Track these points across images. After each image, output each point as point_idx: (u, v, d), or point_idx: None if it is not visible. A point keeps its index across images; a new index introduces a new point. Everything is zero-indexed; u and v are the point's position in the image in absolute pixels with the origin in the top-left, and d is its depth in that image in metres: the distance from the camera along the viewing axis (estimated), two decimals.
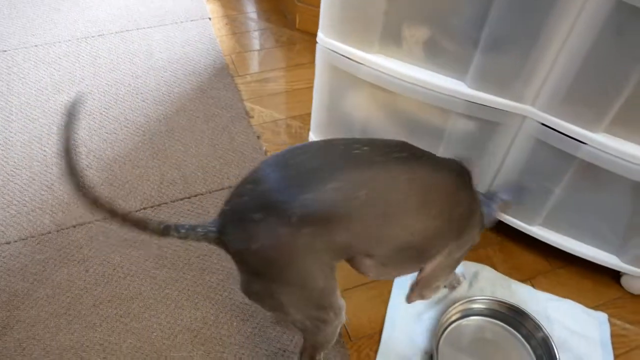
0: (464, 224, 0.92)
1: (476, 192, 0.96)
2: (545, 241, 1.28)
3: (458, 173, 0.91)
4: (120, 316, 1.14)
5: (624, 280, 1.30)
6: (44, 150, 1.43)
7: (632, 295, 1.29)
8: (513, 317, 1.17)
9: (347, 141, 0.84)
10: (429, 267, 0.95)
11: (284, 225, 0.75)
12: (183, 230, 0.83)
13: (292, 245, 0.76)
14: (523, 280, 1.29)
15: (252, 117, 1.58)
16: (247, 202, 0.80)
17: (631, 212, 1.14)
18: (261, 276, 0.81)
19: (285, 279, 0.80)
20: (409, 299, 1.05)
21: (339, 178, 0.77)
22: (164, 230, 0.83)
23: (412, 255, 0.89)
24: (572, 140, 1.05)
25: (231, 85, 1.66)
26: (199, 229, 0.82)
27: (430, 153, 0.88)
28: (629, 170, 1.03)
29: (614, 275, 1.31)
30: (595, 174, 1.10)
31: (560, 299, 1.26)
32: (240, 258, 0.82)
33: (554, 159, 1.11)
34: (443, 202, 0.86)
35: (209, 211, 1.34)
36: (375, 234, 0.81)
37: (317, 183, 0.76)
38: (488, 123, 1.12)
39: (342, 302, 0.88)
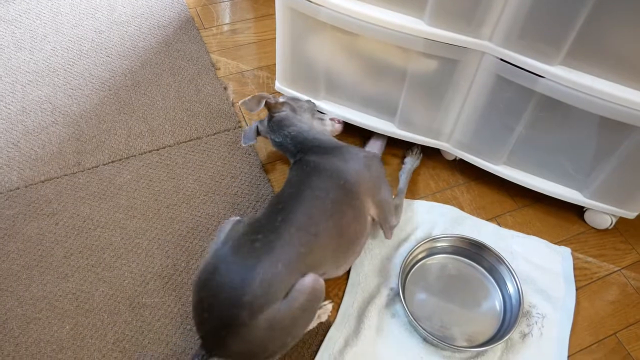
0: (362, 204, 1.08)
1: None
2: (510, 179, 1.31)
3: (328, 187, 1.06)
4: (92, 266, 1.16)
5: (587, 216, 1.33)
6: (8, 108, 1.42)
7: (595, 230, 1.33)
8: (475, 252, 1.20)
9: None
10: (368, 225, 1.10)
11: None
12: None
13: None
14: (489, 219, 1.32)
15: (219, 69, 1.57)
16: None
17: (591, 147, 1.16)
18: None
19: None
20: (387, 236, 1.17)
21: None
22: None
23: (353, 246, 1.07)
24: (530, 74, 1.06)
25: (197, 38, 1.63)
26: None
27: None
28: (586, 103, 1.05)
29: (578, 212, 1.35)
30: (555, 109, 1.11)
31: (525, 235, 1.29)
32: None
33: (514, 94, 1.12)
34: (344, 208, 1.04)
35: (176, 162, 1.34)
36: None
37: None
38: (448, 61, 1.12)
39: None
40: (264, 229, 0.95)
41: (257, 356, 0.92)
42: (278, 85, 1.41)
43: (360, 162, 1.10)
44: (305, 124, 1.22)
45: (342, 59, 1.25)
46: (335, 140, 1.20)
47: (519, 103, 1.13)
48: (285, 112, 1.23)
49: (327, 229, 1.00)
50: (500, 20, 1.02)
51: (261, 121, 1.29)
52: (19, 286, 1.12)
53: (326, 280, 1.17)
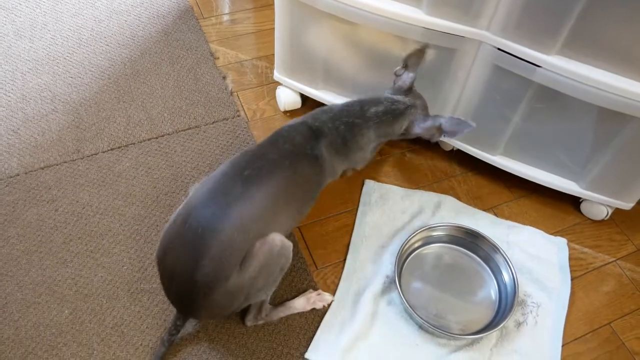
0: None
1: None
2: (507, 170, 1.31)
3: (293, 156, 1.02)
4: (91, 252, 1.17)
5: (583, 207, 1.34)
6: (8, 96, 1.42)
7: (591, 221, 1.34)
8: (471, 241, 1.21)
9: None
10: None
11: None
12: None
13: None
14: (486, 210, 1.33)
15: (218, 58, 1.58)
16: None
17: (587, 138, 1.17)
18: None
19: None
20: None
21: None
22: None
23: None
24: (527, 63, 1.07)
25: (196, 28, 1.64)
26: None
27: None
28: (583, 93, 1.05)
29: (574, 203, 1.36)
30: (551, 99, 1.12)
31: (521, 225, 1.30)
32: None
33: (511, 84, 1.12)
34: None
35: (175, 150, 1.35)
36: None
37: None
38: (445, 50, 1.13)
39: (288, 243, 0.97)
40: (216, 200, 0.92)
41: (225, 315, 1.02)
42: (277, 75, 1.41)
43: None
44: None
45: (341, 48, 1.26)
46: None
47: (516, 93, 1.14)
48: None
49: (286, 199, 0.98)
50: (497, 9, 1.02)
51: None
52: (19, 271, 1.13)
53: (324, 267, 1.19)
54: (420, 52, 1.13)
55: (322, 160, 1.05)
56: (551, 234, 1.30)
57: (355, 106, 1.11)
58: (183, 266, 0.90)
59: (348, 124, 1.08)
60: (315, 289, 1.15)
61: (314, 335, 1.09)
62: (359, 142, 1.10)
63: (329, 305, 1.12)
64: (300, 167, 1.01)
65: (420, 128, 1.13)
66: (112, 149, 1.34)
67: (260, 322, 1.07)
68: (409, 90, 1.15)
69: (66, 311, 1.09)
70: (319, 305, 1.11)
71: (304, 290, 1.14)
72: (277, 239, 0.94)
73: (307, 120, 1.08)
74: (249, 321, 1.07)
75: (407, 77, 1.14)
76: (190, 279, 0.90)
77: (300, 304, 1.10)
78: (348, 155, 1.10)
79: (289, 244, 0.97)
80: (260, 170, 0.95)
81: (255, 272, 0.92)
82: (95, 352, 1.04)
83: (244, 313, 1.08)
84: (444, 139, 1.16)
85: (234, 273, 0.90)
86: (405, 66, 1.14)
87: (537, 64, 1.06)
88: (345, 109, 1.11)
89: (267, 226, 0.94)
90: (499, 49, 1.08)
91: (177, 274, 0.92)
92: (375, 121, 1.10)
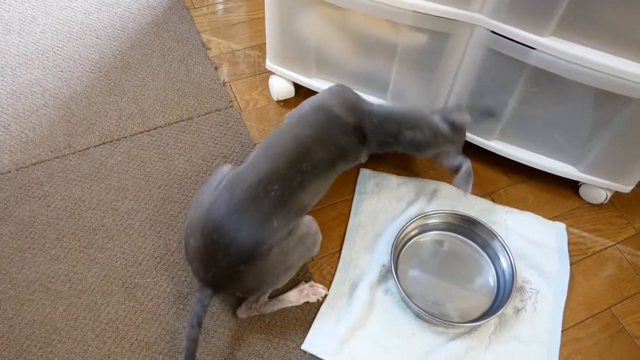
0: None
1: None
2: (504, 155, 1.30)
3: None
4: (84, 247, 1.16)
5: (582, 191, 1.33)
6: None
7: (590, 205, 1.32)
8: (468, 228, 1.20)
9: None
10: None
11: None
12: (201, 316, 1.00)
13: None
14: (483, 196, 1.31)
15: (209, 48, 1.55)
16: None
17: (584, 121, 1.15)
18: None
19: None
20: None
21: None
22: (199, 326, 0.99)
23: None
24: (522, 46, 1.04)
25: (187, 18, 1.61)
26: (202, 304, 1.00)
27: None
28: (578, 74, 1.03)
29: (573, 187, 1.34)
30: (547, 82, 1.10)
31: (519, 211, 1.28)
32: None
33: (506, 67, 1.10)
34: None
35: (168, 143, 1.34)
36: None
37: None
38: (438, 34, 1.11)
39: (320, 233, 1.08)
40: (280, 181, 1.00)
41: (262, 286, 1.02)
42: (269, 64, 1.39)
43: None
44: None
45: (333, 35, 1.24)
46: None
47: (511, 76, 1.12)
48: None
49: (323, 182, 1.10)
50: None
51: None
52: (12, 268, 1.12)
53: (319, 257, 1.18)
54: (490, 114, 1.20)
55: (357, 160, 1.18)
56: (550, 218, 1.28)
57: (394, 125, 1.17)
58: (250, 231, 0.95)
59: (381, 141, 1.17)
60: (311, 279, 1.14)
61: (310, 326, 1.08)
62: (384, 150, 1.21)
63: (324, 297, 1.11)
64: (341, 166, 1.13)
65: (446, 161, 1.21)
66: (103, 143, 1.33)
67: (253, 314, 1.07)
68: (457, 126, 1.18)
69: (60, 308, 1.08)
70: (313, 299, 1.10)
71: (299, 282, 1.13)
72: (315, 225, 1.06)
73: (354, 123, 1.13)
74: (242, 313, 1.06)
75: (464, 118, 1.18)
76: (256, 242, 0.95)
77: (293, 297, 1.09)
78: (371, 152, 1.21)
79: (321, 237, 1.07)
80: (315, 168, 1.05)
81: (296, 243, 1.01)
82: (90, 348, 1.03)
83: (237, 306, 1.07)
84: (451, 174, 1.22)
85: (285, 239, 0.99)
86: (470, 108, 1.18)
87: (532, 46, 1.03)
88: (386, 124, 1.16)
89: (306, 208, 1.06)
90: (492, 31, 1.06)
91: (238, 239, 0.95)
92: (406, 144, 1.18)
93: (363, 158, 1.19)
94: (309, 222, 1.04)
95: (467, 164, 1.18)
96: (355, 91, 1.24)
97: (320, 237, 1.07)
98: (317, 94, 1.19)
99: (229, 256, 0.95)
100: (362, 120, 1.14)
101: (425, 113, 1.18)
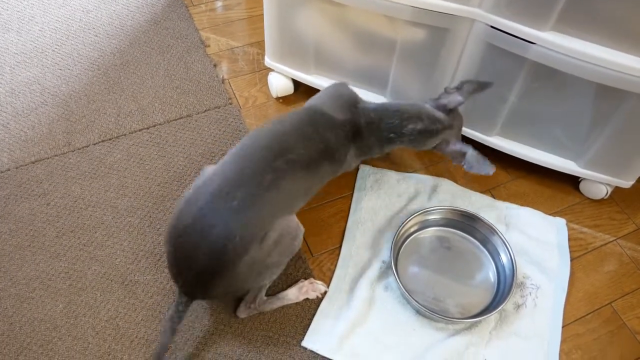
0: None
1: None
2: (504, 151, 1.29)
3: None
4: (84, 245, 1.16)
5: (582, 186, 1.32)
6: None
7: (591, 201, 1.32)
8: (468, 223, 1.20)
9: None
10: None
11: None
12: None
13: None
14: (483, 192, 1.31)
15: (208, 46, 1.55)
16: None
17: (585, 116, 1.15)
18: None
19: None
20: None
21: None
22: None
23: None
24: (521, 41, 1.04)
25: (185, 15, 1.61)
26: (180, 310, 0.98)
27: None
28: (578, 69, 1.03)
29: (573, 183, 1.33)
30: (547, 77, 1.10)
31: (519, 207, 1.28)
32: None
33: (506, 63, 1.10)
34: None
35: (167, 140, 1.33)
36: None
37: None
38: (437, 30, 1.10)
39: (302, 228, 1.02)
40: (247, 182, 0.95)
41: (238, 292, 1.02)
42: (268, 61, 1.39)
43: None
44: None
45: (331, 31, 1.23)
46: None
47: (510, 72, 1.11)
48: None
49: (306, 190, 1.05)
50: None
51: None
52: (12, 266, 1.12)
53: (319, 254, 1.18)
54: (479, 85, 1.13)
55: (346, 162, 1.11)
56: (550, 214, 1.28)
57: (395, 119, 1.11)
58: (211, 240, 0.91)
59: (382, 137, 1.12)
60: (310, 276, 1.14)
61: (310, 322, 1.07)
62: (386, 150, 1.16)
63: (323, 294, 1.11)
64: (325, 166, 1.05)
65: (449, 149, 1.17)
66: (103, 141, 1.33)
67: (253, 312, 1.06)
68: (451, 110, 1.15)
69: (60, 305, 1.08)
70: (312, 296, 1.10)
71: (298, 279, 1.13)
72: (294, 221, 1.00)
73: (344, 119, 1.08)
74: (241, 313, 1.06)
75: (455, 99, 1.13)
76: (219, 252, 0.91)
77: (293, 294, 1.09)
78: (369, 156, 1.16)
79: (302, 229, 1.02)
80: (291, 165, 0.98)
81: (271, 247, 0.95)
82: (90, 345, 1.03)
83: (236, 305, 1.07)
84: (461, 164, 1.17)
85: (255, 246, 0.94)
86: (458, 88, 1.13)
87: (532, 40, 1.03)
88: (385, 119, 1.11)
89: (286, 209, 1.00)
90: (492, 26, 1.05)
91: (201, 248, 0.91)
92: (410, 137, 1.13)
93: (353, 161, 1.13)
94: (286, 222, 0.98)
95: (470, 150, 1.14)
96: (355, 88, 1.24)
97: (301, 230, 1.02)
98: (316, 94, 1.18)
99: (195, 266, 0.93)
100: (356, 117, 1.09)
101: (420, 104, 1.15)
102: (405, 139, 1.13)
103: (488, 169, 1.13)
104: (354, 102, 1.11)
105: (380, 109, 1.12)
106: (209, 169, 1.01)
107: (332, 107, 1.09)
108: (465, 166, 1.15)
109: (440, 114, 1.13)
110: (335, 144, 1.06)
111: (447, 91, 1.14)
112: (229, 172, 0.96)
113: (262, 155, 0.98)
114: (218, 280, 0.93)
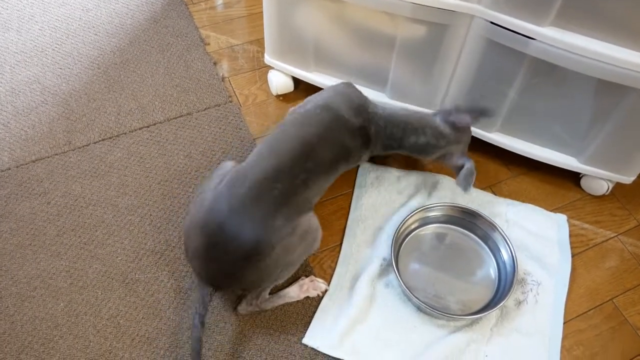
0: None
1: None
2: (505, 147, 1.29)
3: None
4: (85, 244, 1.16)
5: (583, 182, 1.32)
6: None
7: (592, 197, 1.32)
8: (469, 220, 1.19)
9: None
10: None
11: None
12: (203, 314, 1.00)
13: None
14: (484, 189, 1.31)
15: (208, 44, 1.55)
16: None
17: (585, 112, 1.14)
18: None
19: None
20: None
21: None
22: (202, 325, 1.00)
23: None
24: (521, 36, 1.04)
25: (185, 13, 1.61)
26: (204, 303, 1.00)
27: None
28: (579, 64, 1.03)
29: (574, 179, 1.33)
30: (547, 73, 1.09)
31: (520, 203, 1.28)
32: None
33: (506, 59, 1.10)
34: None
35: (167, 139, 1.33)
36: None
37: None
38: (436, 26, 1.10)
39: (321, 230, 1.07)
40: (284, 179, 1.00)
41: (263, 283, 1.03)
42: (267, 59, 1.39)
43: None
44: None
45: (331, 28, 1.23)
46: None
47: (510, 67, 1.11)
48: None
49: (325, 181, 1.10)
50: None
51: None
52: (13, 265, 1.12)
53: (320, 251, 1.18)
54: (486, 114, 1.18)
55: (358, 162, 1.18)
56: (551, 210, 1.28)
57: (399, 129, 1.15)
58: (250, 231, 0.95)
59: (385, 143, 1.17)
60: (311, 274, 1.14)
61: (311, 320, 1.07)
62: (388, 152, 1.21)
63: (324, 292, 1.11)
64: (342, 167, 1.12)
65: (451, 163, 1.20)
66: (103, 140, 1.33)
67: (254, 310, 1.06)
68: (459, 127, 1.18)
69: (61, 304, 1.08)
70: (313, 294, 1.10)
71: (299, 277, 1.13)
72: (316, 222, 1.05)
73: (359, 124, 1.12)
74: (242, 309, 1.06)
75: (464, 119, 1.17)
76: (257, 243, 0.95)
77: (293, 292, 1.09)
78: (373, 154, 1.21)
79: (321, 233, 1.06)
80: (319, 167, 1.06)
81: (297, 242, 1.00)
82: (91, 343, 1.03)
83: (237, 302, 1.07)
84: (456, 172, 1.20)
85: (286, 240, 0.98)
86: (469, 109, 1.17)
87: (531, 36, 1.03)
88: (389, 127, 1.15)
89: (309, 206, 1.06)
90: (491, 22, 1.05)
91: (239, 239, 0.94)
92: (410, 149, 1.18)
93: (363, 160, 1.19)
94: (309, 219, 1.03)
95: (469, 164, 1.16)
96: (355, 85, 1.24)
97: (320, 233, 1.06)
98: (321, 92, 1.18)
99: (230, 255, 0.95)
100: (367, 123, 1.13)
101: (428, 117, 1.18)
102: (406, 149, 1.18)
103: (468, 187, 1.15)
104: (365, 107, 1.14)
105: (388, 117, 1.16)
106: (229, 164, 1.07)
107: (347, 110, 1.12)
108: (456, 180, 1.18)
109: (447, 130, 1.16)
110: (351, 147, 1.12)
111: (457, 109, 1.17)
112: (267, 167, 1.01)
113: (296, 155, 1.03)
114: (252, 270, 0.97)
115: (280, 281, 1.04)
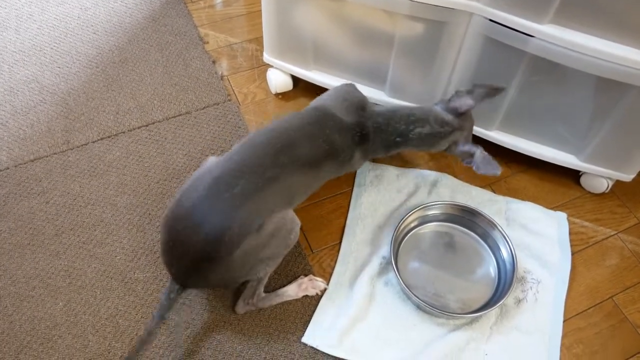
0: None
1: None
2: (504, 145, 1.29)
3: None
4: (83, 243, 1.16)
5: (583, 180, 1.32)
6: None
7: (592, 195, 1.31)
8: (468, 218, 1.19)
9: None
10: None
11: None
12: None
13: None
14: (483, 187, 1.30)
15: (207, 42, 1.55)
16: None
17: (585, 109, 1.14)
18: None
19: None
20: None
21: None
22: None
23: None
24: (520, 34, 1.03)
25: (184, 12, 1.61)
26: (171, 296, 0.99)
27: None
28: (578, 62, 1.02)
29: (574, 177, 1.33)
30: (547, 71, 1.09)
31: (520, 201, 1.28)
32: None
33: (505, 56, 1.09)
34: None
35: (166, 137, 1.33)
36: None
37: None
38: (435, 24, 1.10)
39: (298, 221, 1.03)
40: (248, 174, 0.96)
41: (231, 282, 1.01)
42: (266, 57, 1.38)
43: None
44: None
45: (330, 27, 1.23)
46: None
47: (510, 65, 1.11)
48: None
49: (308, 186, 1.06)
50: None
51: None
52: (12, 265, 1.12)
53: (319, 250, 1.17)
54: (491, 90, 1.11)
55: (350, 163, 1.11)
56: (551, 208, 1.27)
57: (402, 123, 1.11)
58: (208, 227, 0.92)
59: (388, 141, 1.12)
60: (310, 272, 1.13)
61: (310, 318, 1.07)
62: (391, 153, 1.16)
63: (323, 291, 1.11)
64: (328, 166, 1.06)
65: (458, 150, 1.16)
66: (102, 139, 1.32)
67: (251, 309, 1.06)
68: (462, 112, 1.13)
69: (60, 303, 1.08)
70: (312, 292, 1.09)
71: (299, 274, 1.12)
72: (290, 214, 1.01)
73: (352, 122, 1.08)
74: (239, 309, 1.06)
75: (465, 102, 1.12)
76: (215, 240, 0.92)
77: (292, 291, 1.09)
78: (373, 157, 1.17)
79: (299, 222, 1.02)
80: (294, 161, 1.00)
81: (267, 239, 0.96)
82: (90, 343, 1.03)
83: (235, 301, 1.07)
84: (470, 165, 1.16)
85: (251, 237, 0.94)
86: (470, 91, 1.12)
87: (530, 33, 1.02)
88: (392, 123, 1.11)
89: (285, 203, 1.01)
90: (490, 20, 1.05)
91: (198, 235, 0.92)
92: (416, 142, 1.13)
93: (358, 161, 1.13)
94: (282, 214, 0.99)
95: (478, 151, 1.14)
96: (354, 83, 1.23)
97: (297, 224, 1.02)
98: (325, 93, 1.17)
99: (189, 253, 0.93)
100: (363, 120, 1.09)
101: (429, 107, 1.15)
102: (412, 143, 1.13)
103: (495, 169, 1.12)
104: (362, 105, 1.11)
105: (388, 113, 1.12)
106: (212, 159, 1.04)
107: (340, 109, 1.09)
108: (473, 167, 1.14)
109: (449, 117, 1.12)
110: (340, 145, 1.06)
111: (458, 94, 1.13)
112: (231, 163, 0.98)
113: (267, 149, 0.99)
114: (212, 269, 0.94)
115: (263, 275, 1.02)
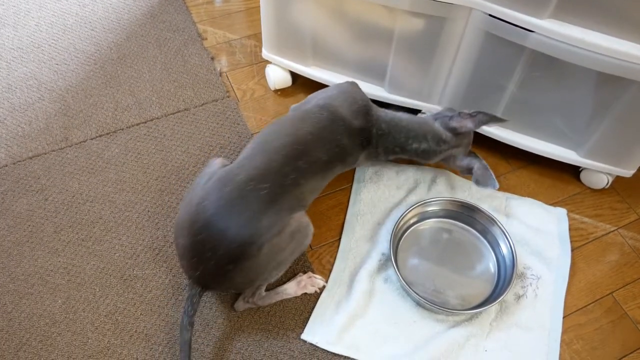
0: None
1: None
2: (503, 141, 1.28)
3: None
4: (82, 240, 1.16)
5: (583, 176, 1.31)
6: None
7: (592, 190, 1.31)
8: (468, 214, 1.19)
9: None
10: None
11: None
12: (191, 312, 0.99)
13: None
14: None
15: (206, 39, 1.54)
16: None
17: (585, 105, 1.14)
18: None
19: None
20: None
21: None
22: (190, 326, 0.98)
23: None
24: (520, 29, 1.03)
25: (182, 8, 1.60)
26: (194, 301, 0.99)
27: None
28: (578, 57, 1.02)
29: (574, 173, 1.33)
30: (546, 66, 1.08)
31: (520, 197, 1.27)
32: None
33: (504, 51, 1.09)
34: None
35: (165, 134, 1.33)
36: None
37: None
38: (435, 19, 1.09)
39: (312, 227, 1.05)
40: (273, 179, 0.99)
41: (253, 283, 1.01)
42: (265, 53, 1.38)
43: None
44: None
45: (329, 22, 1.22)
46: None
47: (509, 61, 1.10)
48: None
49: (318, 181, 1.07)
50: None
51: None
52: (11, 262, 1.12)
53: (318, 246, 1.17)
54: (495, 119, 1.15)
55: (355, 164, 1.15)
56: (551, 204, 1.27)
57: (402, 135, 1.14)
58: (236, 230, 0.93)
59: (388, 148, 1.15)
60: (309, 269, 1.13)
61: (310, 315, 1.07)
62: (390, 159, 1.22)
63: (322, 288, 1.11)
64: (338, 167, 1.10)
65: (455, 164, 1.21)
66: (100, 136, 1.32)
67: (251, 307, 1.06)
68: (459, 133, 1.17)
69: (59, 301, 1.08)
70: (311, 290, 1.09)
71: (298, 272, 1.12)
72: (306, 220, 1.03)
73: (360, 126, 1.10)
74: (239, 307, 1.06)
75: (465, 125, 1.15)
76: (243, 242, 0.93)
77: (291, 288, 1.08)
78: (375, 159, 1.18)
79: (312, 229, 1.04)
80: (312, 166, 1.03)
81: (287, 241, 0.98)
82: (89, 340, 1.03)
83: (234, 299, 1.07)
84: (469, 176, 1.20)
85: (275, 239, 0.96)
86: (472, 115, 1.15)
87: (530, 29, 1.02)
88: (393, 132, 1.14)
89: (301, 205, 1.03)
90: (490, 15, 1.04)
91: (225, 238, 0.93)
92: (413, 154, 1.17)
93: (362, 162, 1.16)
94: (299, 217, 1.01)
95: (477, 162, 1.17)
96: (354, 79, 1.23)
97: (311, 230, 1.04)
98: (325, 90, 1.16)
99: (216, 256, 0.94)
100: (369, 126, 1.11)
101: (429, 122, 1.17)
102: (409, 154, 1.17)
103: (493, 184, 1.15)
104: (368, 109, 1.13)
105: (391, 122, 1.14)
106: (217, 161, 1.05)
107: (349, 112, 1.10)
108: (473, 180, 1.17)
109: (447, 135, 1.16)
110: (349, 149, 1.10)
111: (461, 115, 1.16)
112: (255, 166, 1.00)
113: (287, 153, 1.01)
114: (238, 271, 0.95)
115: (272, 280, 1.03)
